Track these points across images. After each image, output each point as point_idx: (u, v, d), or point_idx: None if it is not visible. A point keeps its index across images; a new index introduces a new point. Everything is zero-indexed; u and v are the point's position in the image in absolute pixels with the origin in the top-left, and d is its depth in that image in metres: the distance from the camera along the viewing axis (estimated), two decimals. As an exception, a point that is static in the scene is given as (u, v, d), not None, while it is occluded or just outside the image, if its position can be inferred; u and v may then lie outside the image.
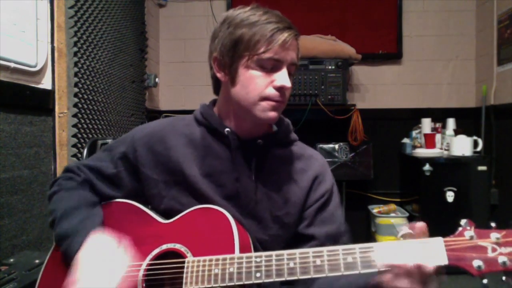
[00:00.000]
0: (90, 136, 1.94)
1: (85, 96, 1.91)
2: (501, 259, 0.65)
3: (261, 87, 0.86)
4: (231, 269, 0.75)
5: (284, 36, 0.83)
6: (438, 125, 2.84)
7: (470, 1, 3.02)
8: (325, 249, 0.74)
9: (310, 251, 0.74)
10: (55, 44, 1.70)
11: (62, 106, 1.73)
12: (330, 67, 2.64)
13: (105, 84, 2.13)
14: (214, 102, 1.00)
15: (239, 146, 0.93)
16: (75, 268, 0.79)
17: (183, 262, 0.80)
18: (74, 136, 1.78)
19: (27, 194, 1.54)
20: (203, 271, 0.77)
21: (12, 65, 1.45)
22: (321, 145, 2.77)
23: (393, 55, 3.06)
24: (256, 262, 0.75)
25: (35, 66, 1.58)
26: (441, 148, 2.73)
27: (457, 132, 2.70)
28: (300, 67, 2.61)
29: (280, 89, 0.86)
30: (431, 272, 0.66)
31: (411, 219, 2.70)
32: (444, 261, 0.67)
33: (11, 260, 1.25)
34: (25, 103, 1.53)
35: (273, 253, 0.75)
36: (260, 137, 0.94)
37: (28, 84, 1.56)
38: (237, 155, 0.93)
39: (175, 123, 1.00)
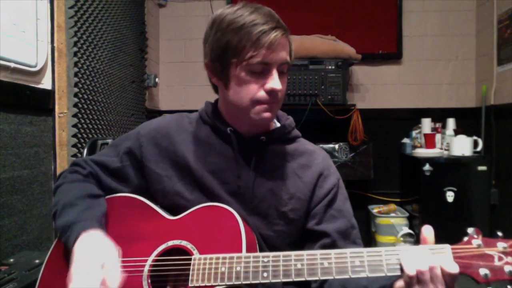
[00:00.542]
0: (90, 136, 1.94)
1: (85, 96, 1.91)
2: (507, 268, 0.66)
3: (252, 91, 0.86)
4: (238, 268, 0.75)
5: (270, 38, 0.82)
6: (438, 125, 2.83)
7: (470, 1, 3.02)
8: (333, 251, 0.74)
9: (318, 252, 0.74)
10: (55, 44, 1.70)
11: (62, 106, 1.73)
12: (330, 67, 2.64)
13: (105, 84, 2.13)
14: (218, 101, 1.01)
15: (241, 144, 0.94)
16: (72, 262, 0.79)
17: (189, 259, 0.80)
18: (74, 136, 1.78)
19: (27, 194, 1.53)
20: (210, 269, 0.77)
21: (12, 65, 1.45)
22: (321, 145, 2.77)
23: (393, 55, 3.06)
24: (263, 262, 0.75)
25: (35, 66, 1.58)
26: (441, 148, 2.73)
27: (457, 132, 2.70)
28: (300, 67, 2.63)
29: (271, 91, 0.86)
30: (455, 275, 0.67)
31: (411, 219, 2.70)
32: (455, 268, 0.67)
33: (11, 260, 1.25)
34: (25, 103, 1.53)
35: (281, 253, 0.75)
36: (262, 134, 0.95)
37: (28, 84, 1.56)
38: (240, 153, 0.94)
39: (181, 120, 1.02)
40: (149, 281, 0.82)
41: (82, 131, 1.86)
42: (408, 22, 3.05)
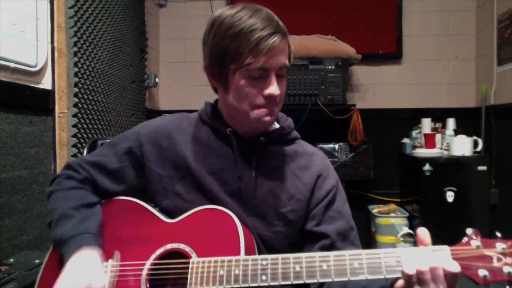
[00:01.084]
0: (90, 136, 1.94)
1: (85, 96, 1.91)
2: (506, 269, 0.66)
3: (251, 96, 0.87)
4: (237, 271, 0.75)
5: (268, 44, 0.81)
6: (438, 125, 2.83)
7: (470, 1, 3.02)
8: (331, 253, 0.74)
9: (316, 255, 0.74)
10: (55, 44, 1.70)
11: (62, 106, 1.73)
12: (330, 67, 2.64)
13: (105, 84, 2.13)
14: (217, 101, 1.01)
15: (241, 145, 0.94)
16: (62, 273, 0.80)
17: (188, 263, 0.80)
18: (74, 136, 1.78)
19: (27, 194, 1.53)
20: (208, 272, 0.77)
21: (12, 65, 1.45)
22: (321, 145, 2.77)
23: (393, 55, 3.06)
24: (262, 264, 0.75)
25: (35, 66, 1.58)
26: (441, 148, 2.73)
27: (457, 132, 2.70)
28: (300, 67, 2.63)
29: (269, 97, 0.86)
30: (457, 275, 0.67)
31: (411, 219, 2.70)
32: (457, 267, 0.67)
33: (11, 260, 1.25)
34: (25, 103, 1.53)
35: (279, 256, 0.75)
36: (262, 135, 0.95)
37: (28, 84, 1.56)
38: (239, 154, 0.94)
39: (180, 120, 1.01)
40: (148, 285, 0.82)
41: (82, 131, 1.86)
42: (408, 22, 3.05)
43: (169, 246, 0.84)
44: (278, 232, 0.93)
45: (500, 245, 0.68)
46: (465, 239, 0.70)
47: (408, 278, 0.68)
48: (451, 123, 2.84)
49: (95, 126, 2.01)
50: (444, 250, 0.69)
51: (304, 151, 1.00)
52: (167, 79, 3.22)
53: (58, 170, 1.69)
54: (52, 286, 0.82)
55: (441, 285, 0.66)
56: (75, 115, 1.79)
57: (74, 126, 1.79)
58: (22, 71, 1.52)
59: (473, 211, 2.51)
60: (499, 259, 0.67)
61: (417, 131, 2.85)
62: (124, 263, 0.84)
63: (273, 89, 0.85)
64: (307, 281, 0.72)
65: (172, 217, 0.91)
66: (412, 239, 2.56)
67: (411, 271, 0.67)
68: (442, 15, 3.04)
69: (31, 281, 1.05)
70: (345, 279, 0.71)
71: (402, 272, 0.69)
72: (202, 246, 0.82)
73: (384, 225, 2.68)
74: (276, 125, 1.02)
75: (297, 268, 0.73)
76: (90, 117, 1.96)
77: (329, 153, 2.75)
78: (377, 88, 3.11)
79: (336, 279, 0.72)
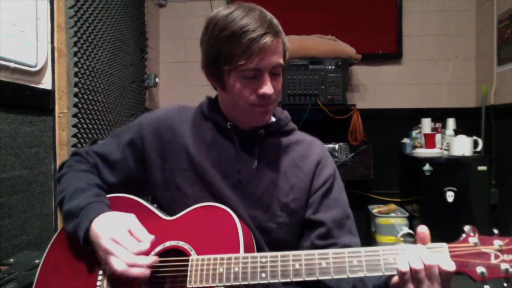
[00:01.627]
0: (90, 136, 1.94)
1: (85, 96, 1.91)
2: (504, 266, 0.66)
3: (246, 96, 0.88)
4: (236, 269, 0.76)
5: (260, 45, 0.83)
6: (438, 125, 2.84)
7: (470, 1, 3.02)
8: (330, 251, 0.74)
9: (316, 252, 0.75)
10: (55, 44, 1.70)
11: (62, 106, 1.73)
12: (330, 67, 2.64)
13: (105, 84, 2.13)
14: (217, 97, 1.02)
15: (241, 138, 0.96)
16: (96, 238, 0.80)
17: (187, 260, 0.80)
18: (74, 136, 1.78)
19: (27, 194, 1.53)
20: (208, 269, 0.77)
21: (12, 65, 1.45)
22: (321, 145, 2.77)
23: (393, 55, 3.06)
24: (261, 262, 0.75)
25: (35, 66, 1.58)
26: (441, 148, 2.73)
27: (457, 132, 2.70)
28: (300, 67, 2.63)
29: (263, 96, 0.87)
30: (451, 273, 0.67)
31: (411, 219, 2.70)
32: (452, 266, 0.67)
33: (11, 260, 1.25)
34: (25, 103, 1.53)
35: (279, 253, 0.76)
36: (261, 128, 0.96)
37: (28, 84, 1.56)
38: (240, 147, 0.95)
39: (183, 112, 1.02)
40: (147, 282, 0.82)
41: (82, 131, 1.86)
42: (408, 22, 3.05)
43: (168, 244, 0.84)
44: (281, 223, 0.94)
45: (497, 242, 0.68)
46: (463, 236, 0.70)
47: (401, 275, 0.68)
48: (451, 123, 2.84)
49: (95, 126, 2.01)
50: (442, 248, 0.69)
51: (303, 139, 1.02)
52: (167, 79, 3.22)
53: (58, 170, 1.69)
54: (51, 284, 0.82)
55: (436, 283, 0.67)
56: (75, 115, 1.79)
57: (74, 126, 1.79)
58: (22, 71, 1.52)
59: (473, 211, 2.51)
60: (496, 256, 0.67)
61: (417, 131, 2.85)
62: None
63: (267, 88, 0.87)
64: (307, 279, 0.73)
65: (172, 210, 0.92)
66: (412, 239, 2.56)
67: (404, 268, 0.68)
68: (442, 15, 3.04)
69: (31, 281, 1.04)
70: (344, 276, 0.72)
71: (397, 269, 0.69)
72: (201, 244, 0.82)
73: (384, 225, 2.68)
74: (273, 118, 1.03)
75: (297, 266, 0.74)
76: (90, 117, 1.96)
77: (329, 153, 2.74)
78: (377, 88, 3.11)
79: (335, 277, 0.72)
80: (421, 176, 2.52)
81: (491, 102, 2.74)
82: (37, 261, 1.20)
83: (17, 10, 1.48)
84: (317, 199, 0.95)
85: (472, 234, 0.70)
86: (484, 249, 0.68)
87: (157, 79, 2.88)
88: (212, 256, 0.78)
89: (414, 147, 2.82)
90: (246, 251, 0.79)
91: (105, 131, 2.12)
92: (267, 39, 0.83)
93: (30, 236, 1.54)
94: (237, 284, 0.75)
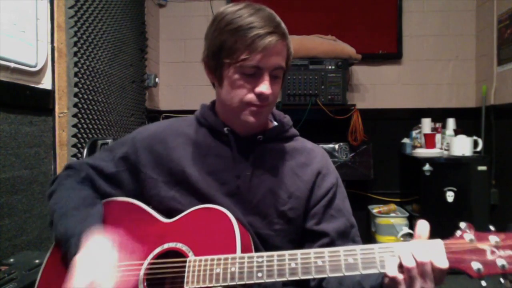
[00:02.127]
0: (90, 136, 1.94)
1: (85, 96, 1.91)
2: (500, 262, 0.66)
3: (243, 92, 0.87)
4: (233, 269, 0.76)
5: (264, 43, 0.82)
6: (438, 125, 2.84)
7: (470, 1, 3.02)
8: (326, 249, 0.74)
9: (311, 251, 0.74)
10: (55, 44, 1.70)
11: (62, 106, 1.73)
12: (330, 67, 2.64)
13: (105, 84, 2.13)
14: (214, 102, 1.01)
15: (239, 144, 0.94)
16: (71, 271, 0.79)
17: (185, 261, 0.80)
18: (74, 136, 1.78)
19: (27, 194, 1.53)
20: (205, 270, 0.77)
21: (12, 65, 1.45)
22: (321, 145, 2.75)
23: (393, 55, 3.06)
24: (257, 262, 0.75)
25: (35, 66, 1.58)
26: (441, 148, 2.73)
27: (457, 132, 2.70)
28: (300, 67, 2.63)
29: (260, 95, 0.86)
30: (444, 270, 0.67)
31: (411, 219, 2.70)
32: (445, 263, 0.67)
33: (11, 260, 1.25)
34: (25, 103, 1.53)
35: (275, 253, 0.76)
36: (259, 133, 0.95)
37: (28, 84, 1.56)
38: (238, 153, 0.94)
39: (177, 124, 1.02)
40: (145, 284, 0.82)
41: (82, 131, 1.86)
42: (408, 22, 3.05)
43: (166, 246, 0.84)
44: (279, 230, 0.93)
45: (493, 238, 0.67)
46: (458, 232, 0.70)
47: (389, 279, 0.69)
48: (451, 123, 2.84)
49: (95, 126, 2.01)
50: (438, 244, 0.69)
51: (303, 147, 1.01)
52: (167, 79, 3.22)
53: (58, 170, 1.69)
54: (53, 285, 0.82)
55: (428, 280, 0.66)
56: (75, 115, 1.79)
57: (74, 126, 1.79)
58: (22, 71, 1.52)
59: (473, 211, 2.52)
60: (492, 252, 0.67)
61: (417, 131, 2.85)
62: (122, 263, 0.84)
63: (265, 87, 0.86)
64: (302, 277, 0.73)
65: (169, 219, 0.92)
66: (412, 239, 2.56)
67: (391, 273, 0.68)
68: (442, 15, 3.04)
69: (31, 281, 1.05)
70: (340, 274, 0.71)
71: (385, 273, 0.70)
72: (199, 245, 0.82)
73: (384, 225, 2.68)
74: (274, 123, 1.02)
75: (293, 265, 0.73)
76: (90, 117, 1.96)
77: (329, 153, 2.74)
78: (377, 88, 3.11)
79: (331, 275, 0.72)
80: (421, 176, 2.52)
81: (491, 102, 2.74)
82: (37, 261, 1.20)
83: (17, 10, 1.48)
84: (320, 210, 0.94)
85: (468, 230, 0.69)
86: (480, 245, 0.67)
87: (157, 79, 2.88)
88: (209, 257, 0.78)
89: (414, 147, 2.82)
90: (243, 251, 0.79)
91: (105, 131, 2.12)
92: (273, 39, 0.82)
93: (30, 236, 1.54)
94: (233, 284, 0.75)
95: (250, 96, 0.87)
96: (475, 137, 2.62)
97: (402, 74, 3.09)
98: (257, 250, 0.88)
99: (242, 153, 0.94)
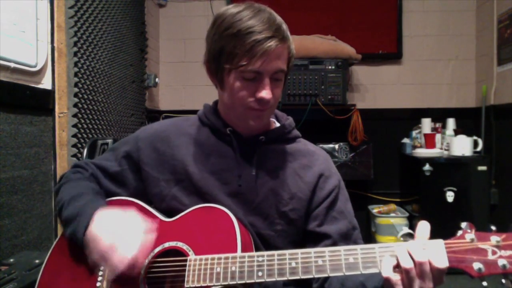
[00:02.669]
0: (90, 136, 1.94)
1: (85, 96, 1.91)
2: (501, 262, 0.66)
3: (243, 97, 0.87)
4: (233, 268, 0.76)
5: (263, 48, 0.81)
6: (438, 125, 2.84)
7: (470, 1, 3.02)
8: (327, 249, 0.74)
9: (312, 251, 0.74)
10: (55, 44, 1.70)
11: (62, 106, 1.73)
12: (330, 67, 2.64)
13: (105, 84, 2.13)
14: (217, 102, 1.02)
15: (241, 144, 0.95)
16: (94, 240, 0.80)
17: (185, 260, 0.80)
18: (74, 136, 1.78)
19: (27, 194, 1.53)
20: (205, 269, 0.77)
21: (12, 65, 1.45)
22: (321, 145, 2.77)
23: (393, 55, 3.06)
24: (258, 261, 0.75)
25: (35, 66, 1.58)
26: (441, 148, 2.73)
27: (457, 132, 2.70)
28: (300, 67, 2.63)
29: (260, 100, 0.86)
30: (443, 270, 0.66)
31: (411, 219, 2.70)
32: (444, 263, 0.67)
33: (11, 260, 1.25)
34: (25, 103, 1.53)
35: (275, 252, 0.76)
36: (262, 134, 0.95)
37: (28, 84, 1.56)
38: (240, 153, 0.94)
39: (180, 123, 1.02)
40: (146, 283, 0.82)
41: (82, 131, 1.86)
42: (408, 22, 3.05)
43: (167, 245, 0.85)
44: (279, 231, 0.93)
45: (494, 238, 0.67)
46: (459, 232, 0.70)
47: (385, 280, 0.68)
48: (451, 123, 2.84)
49: (95, 126, 2.01)
50: (438, 244, 0.69)
51: (306, 150, 1.01)
52: (167, 79, 3.22)
53: (58, 170, 1.69)
54: (53, 285, 0.82)
55: (427, 279, 0.66)
56: (75, 115, 1.79)
57: (74, 126, 1.79)
58: (22, 71, 1.52)
59: (473, 211, 2.52)
60: (493, 252, 0.66)
61: (417, 131, 2.85)
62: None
63: (265, 93, 0.86)
64: (303, 277, 0.73)
65: (170, 218, 0.92)
66: (412, 239, 2.55)
67: (386, 274, 0.68)
68: (442, 15, 3.04)
69: (31, 281, 1.05)
70: (341, 274, 0.71)
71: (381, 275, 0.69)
72: (200, 244, 0.82)
73: (384, 225, 2.68)
74: (277, 124, 1.02)
75: (293, 264, 0.73)
76: (90, 117, 1.96)
77: (329, 153, 2.72)
78: (377, 88, 3.11)
79: (331, 274, 0.72)
80: (421, 176, 2.52)
81: (491, 102, 2.74)
82: (37, 261, 1.20)
83: (17, 10, 1.48)
84: (322, 212, 0.94)
85: (469, 230, 0.69)
86: (481, 245, 0.67)
87: (157, 79, 2.88)
88: (209, 256, 0.78)
89: (414, 147, 2.82)
90: (243, 250, 0.79)
91: (105, 131, 2.12)
92: (272, 43, 0.82)
93: (30, 236, 1.54)
94: (234, 283, 0.75)
95: (251, 101, 0.87)
96: (475, 137, 2.62)
97: (402, 74, 3.09)
98: (258, 250, 0.88)
99: (244, 153, 0.95)
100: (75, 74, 1.80)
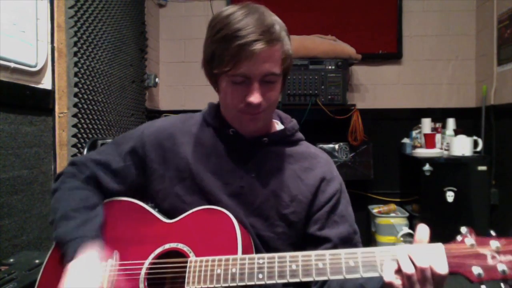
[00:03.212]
0: (90, 136, 1.94)
1: (85, 96, 1.91)
2: (501, 267, 0.66)
3: (235, 101, 0.88)
4: (234, 270, 0.76)
5: (247, 52, 0.80)
6: (438, 125, 2.83)
7: (470, 1, 3.02)
8: (327, 252, 0.74)
9: (312, 253, 0.74)
10: (55, 44, 1.70)
11: (62, 106, 1.73)
12: (330, 67, 2.64)
13: (105, 84, 2.13)
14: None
15: (244, 146, 0.95)
16: (64, 277, 0.80)
17: (186, 262, 0.80)
18: (74, 136, 1.78)
19: (27, 194, 1.54)
20: (206, 271, 0.77)
21: (12, 65, 1.45)
22: (321, 145, 2.77)
23: (393, 55, 3.06)
24: (258, 263, 0.75)
25: (35, 66, 1.58)
26: (441, 148, 2.73)
27: (457, 132, 2.70)
28: (300, 67, 2.63)
29: (249, 104, 0.85)
30: (444, 276, 0.66)
31: (411, 219, 2.70)
32: (445, 269, 0.67)
33: (11, 260, 1.25)
34: (25, 103, 1.53)
35: (276, 255, 0.76)
36: (264, 135, 0.95)
37: (28, 84, 1.56)
38: (242, 155, 0.94)
39: (185, 121, 1.02)
40: (146, 283, 0.82)
41: (82, 131, 1.86)
42: (408, 22, 3.05)
43: (167, 246, 0.85)
44: (280, 233, 0.93)
45: (494, 243, 0.67)
46: (459, 237, 0.70)
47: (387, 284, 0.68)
48: (451, 123, 2.84)
49: (95, 126, 2.01)
50: (438, 248, 0.69)
51: (308, 153, 1.00)
52: (167, 79, 3.22)
53: (58, 170, 1.69)
54: (53, 285, 0.82)
55: (428, 284, 0.66)
56: (75, 115, 1.79)
57: (74, 126, 1.79)
58: (22, 71, 1.52)
59: (473, 211, 2.51)
60: (493, 257, 0.66)
61: (417, 131, 2.85)
62: (123, 262, 0.85)
63: (253, 97, 0.84)
64: (303, 279, 0.72)
65: (171, 218, 0.92)
66: (412, 239, 2.55)
67: (388, 278, 0.68)
68: (442, 15, 3.04)
69: (31, 281, 1.05)
70: (341, 277, 0.71)
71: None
72: (200, 246, 0.82)
73: (384, 225, 2.68)
74: (281, 126, 1.02)
75: (293, 267, 0.73)
76: (90, 117, 1.96)
77: (329, 153, 2.74)
78: (377, 88, 3.11)
79: (331, 277, 0.72)
80: (421, 176, 2.52)
81: (491, 102, 2.74)
82: (37, 261, 1.20)
83: (17, 10, 1.48)
84: (323, 215, 0.94)
85: (468, 235, 0.69)
86: (480, 250, 0.67)
87: (157, 79, 2.88)
88: (210, 258, 0.78)
89: (414, 147, 2.82)
90: (244, 252, 0.79)
91: (105, 131, 2.12)
92: (257, 47, 0.79)
93: (30, 236, 1.54)
94: (234, 285, 0.75)
95: (242, 105, 0.87)
96: (475, 137, 2.62)
97: (402, 74, 3.09)
98: (258, 252, 0.88)
99: (246, 154, 0.95)
100: (75, 74, 1.80)
